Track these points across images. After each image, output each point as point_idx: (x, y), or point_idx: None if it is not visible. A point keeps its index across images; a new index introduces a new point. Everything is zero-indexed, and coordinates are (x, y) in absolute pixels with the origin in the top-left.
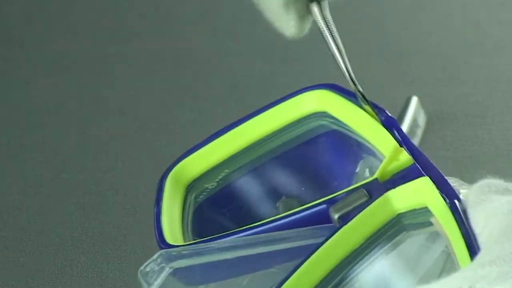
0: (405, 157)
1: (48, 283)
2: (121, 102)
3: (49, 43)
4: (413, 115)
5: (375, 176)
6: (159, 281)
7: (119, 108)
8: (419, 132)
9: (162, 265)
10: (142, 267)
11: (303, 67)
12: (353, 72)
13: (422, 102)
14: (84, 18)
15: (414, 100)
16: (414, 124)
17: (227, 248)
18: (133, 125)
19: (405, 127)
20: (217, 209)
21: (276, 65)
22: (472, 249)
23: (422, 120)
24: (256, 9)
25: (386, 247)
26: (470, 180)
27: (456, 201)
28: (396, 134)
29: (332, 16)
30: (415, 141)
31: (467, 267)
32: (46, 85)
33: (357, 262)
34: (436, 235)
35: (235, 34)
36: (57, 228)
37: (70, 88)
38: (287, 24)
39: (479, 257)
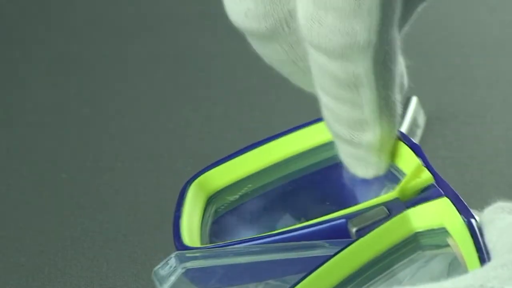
0: (426, 175)
1: (48, 283)
2: (121, 102)
3: (49, 43)
4: (413, 115)
5: (396, 192)
6: (172, 279)
7: (119, 108)
8: (419, 132)
9: (175, 265)
10: (156, 267)
11: None
12: None
13: (422, 102)
14: (84, 18)
15: (414, 100)
16: (414, 124)
17: (242, 253)
18: (132, 125)
19: (405, 127)
20: (237, 221)
21: None
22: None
23: (422, 120)
24: None
25: (399, 264)
26: (471, 180)
27: (472, 220)
28: (419, 158)
29: None
30: (415, 141)
31: (477, 270)
32: (46, 85)
33: (368, 276)
34: (456, 266)
35: (235, 34)
36: (57, 228)
37: (70, 88)
38: (374, 167)
39: (490, 263)
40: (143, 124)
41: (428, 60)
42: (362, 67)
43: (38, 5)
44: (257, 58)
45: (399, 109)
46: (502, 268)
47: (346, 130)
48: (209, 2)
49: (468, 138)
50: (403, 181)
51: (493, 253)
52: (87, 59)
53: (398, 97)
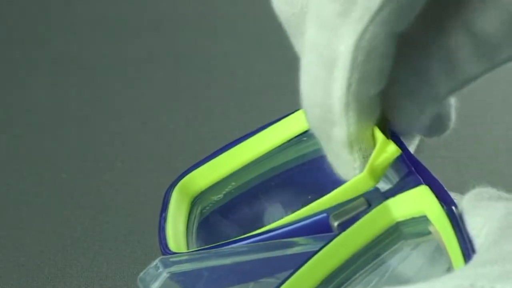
0: (392, 148)
1: (48, 283)
2: (121, 102)
3: (49, 43)
4: None
5: (365, 172)
6: (156, 285)
7: (119, 108)
8: None
9: (160, 270)
10: (140, 274)
11: None
12: None
13: None
14: (84, 18)
15: None
16: None
17: (226, 254)
18: (132, 125)
19: None
20: (223, 220)
21: (276, 65)
22: (467, 254)
23: None
24: (256, 9)
25: (383, 255)
26: (471, 180)
27: (453, 207)
28: (398, 143)
29: None
30: (415, 141)
31: (466, 266)
32: (46, 85)
33: (354, 269)
34: (441, 253)
35: (235, 34)
36: (57, 228)
37: (70, 88)
38: (349, 165)
39: (477, 257)
40: (143, 124)
41: None
42: (345, 45)
43: (38, 5)
44: (257, 58)
45: (376, 107)
46: (491, 265)
47: (317, 121)
48: (209, 2)
49: (468, 138)
50: (371, 159)
51: (477, 241)
52: (87, 59)
53: (376, 96)
